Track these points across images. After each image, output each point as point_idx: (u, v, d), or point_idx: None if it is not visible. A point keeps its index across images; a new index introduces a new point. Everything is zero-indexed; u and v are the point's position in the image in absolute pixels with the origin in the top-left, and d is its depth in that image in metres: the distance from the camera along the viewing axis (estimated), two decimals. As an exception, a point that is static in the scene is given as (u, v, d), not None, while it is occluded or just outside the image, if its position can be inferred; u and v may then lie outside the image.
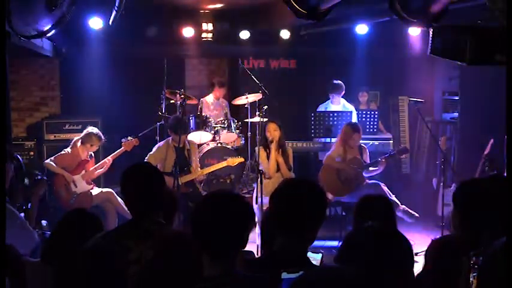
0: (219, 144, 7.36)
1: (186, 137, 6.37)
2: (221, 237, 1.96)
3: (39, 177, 4.48)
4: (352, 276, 1.53)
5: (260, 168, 5.65)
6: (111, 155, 6.31)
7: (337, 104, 7.44)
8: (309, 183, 2.29)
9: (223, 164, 6.41)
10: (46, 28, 4.37)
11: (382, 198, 3.16)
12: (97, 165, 6.27)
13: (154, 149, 6.20)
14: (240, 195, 2.14)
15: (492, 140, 6.10)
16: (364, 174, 6.21)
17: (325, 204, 2.27)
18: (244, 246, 2.05)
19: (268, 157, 5.93)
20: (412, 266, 1.88)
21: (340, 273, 1.55)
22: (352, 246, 1.76)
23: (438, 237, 2.26)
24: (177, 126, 6.02)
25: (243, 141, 7.83)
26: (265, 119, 6.63)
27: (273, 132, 5.89)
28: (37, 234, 3.76)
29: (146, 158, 6.12)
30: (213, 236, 1.96)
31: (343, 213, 6.38)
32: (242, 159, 6.67)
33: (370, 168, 6.26)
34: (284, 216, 2.21)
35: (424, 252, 2.64)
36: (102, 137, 6.23)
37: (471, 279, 2.08)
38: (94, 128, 6.32)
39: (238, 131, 7.65)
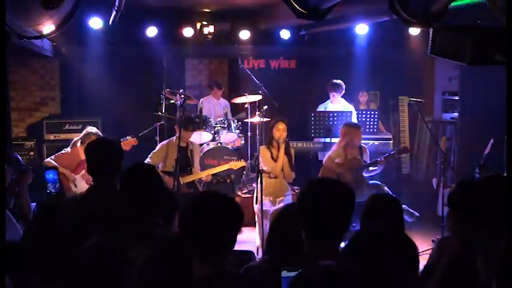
0: (219, 144, 7.36)
1: (190, 136, 6.36)
2: (209, 237, 1.96)
3: (23, 167, 4.44)
4: (351, 275, 1.53)
5: (260, 168, 5.62)
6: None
7: (337, 103, 7.43)
8: (339, 184, 2.23)
9: (226, 166, 6.40)
10: (49, 30, 4.36)
11: (391, 197, 3.17)
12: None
13: (157, 147, 6.22)
14: (228, 195, 2.13)
15: (492, 140, 6.10)
16: (364, 174, 6.20)
17: (353, 205, 2.18)
18: (233, 246, 2.04)
19: (272, 156, 5.90)
20: (417, 268, 1.89)
21: (339, 271, 1.55)
22: (357, 245, 1.76)
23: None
24: (186, 122, 6.06)
25: (243, 141, 7.83)
26: (264, 119, 6.64)
27: (282, 132, 5.86)
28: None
29: (149, 155, 6.13)
30: (201, 235, 1.96)
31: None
32: (244, 164, 6.66)
33: (370, 168, 6.25)
34: (313, 218, 2.15)
35: (423, 252, 2.64)
36: (101, 136, 6.23)
37: None
38: (93, 127, 6.31)
39: (238, 131, 7.65)
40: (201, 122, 7.34)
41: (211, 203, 2.02)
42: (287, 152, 5.90)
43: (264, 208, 5.46)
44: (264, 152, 5.83)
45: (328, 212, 2.12)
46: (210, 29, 8.15)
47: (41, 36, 4.57)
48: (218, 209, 2.00)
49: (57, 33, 4.48)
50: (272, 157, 5.86)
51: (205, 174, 6.30)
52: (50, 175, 4.18)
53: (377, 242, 1.71)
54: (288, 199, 5.83)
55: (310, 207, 2.17)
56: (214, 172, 6.46)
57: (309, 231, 2.17)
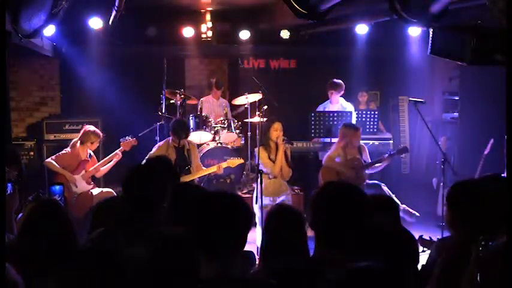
0: (219, 144, 7.36)
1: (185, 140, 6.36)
2: (220, 236, 1.95)
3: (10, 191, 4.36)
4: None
5: (260, 168, 5.62)
6: (110, 155, 6.31)
7: (336, 103, 7.42)
8: (351, 189, 2.20)
9: (224, 165, 6.40)
10: (39, 24, 4.39)
11: (388, 198, 3.18)
12: (101, 162, 6.27)
13: (154, 149, 6.19)
14: (238, 195, 2.12)
15: (492, 140, 6.10)
16: (366, 171, 6.21)
17: (364, 210, 2.15)
18: (243, 247, 2.04)
19: (270, 157, 5.88)
20: (417, 262, 1.91)
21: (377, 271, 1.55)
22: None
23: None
24: (179, 129, 6.03)
25: (243, 141, 7.83)
26: (265, 119, 6.61)
27: (280, 131, 5.84)
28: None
29: (146, 157, 6.11)
30: (211, 235, 1.95)
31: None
32: (242, 161, 6.66)
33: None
34: (325, 224, 2.13)
35: (423, 252, 2.65)
36: (100, 133, 6.24)
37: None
38: (89, 126, 6.31)
39: (238, 131, 7.65)
40: (200, 122, 7.34)
41: (224, 203, 2.01)
42: (284, 151, 5.91)
43: (264, 209, 5.45)
44: (262, 153, 5.80)
45: (343, 216, 2.10)
46: (210, 29, 8.15)
47: (35, 33, 4.59)
48: (232, 208, 1.99)
49: (47, 27, 4.50)
50: (270, 158, 5.85)
51: (202, 174, 6.30)
52: (57, 188, 4.16)
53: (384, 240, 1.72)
54: (288, 199, 5.83)
55: (325, 211, 2.15)
56: (212, 171, 6.44)
57: (321, 236, 2.16)
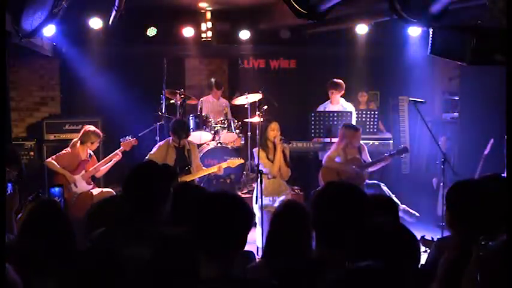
0: (219, 144, 7.36)
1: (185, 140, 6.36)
2: (220, 236, 1.95)
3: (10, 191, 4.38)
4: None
5: (260, 168, 5.62)
6: (110, 155, 6.31)
7: (337, 103, 7.43)
8: (351, 189, 2.22)
9: (224, 165, 6.40)
10: (39, 24, 4.40)
11: (387, 197, 3.18)
12: (101, 162, 6.27)
13: (154, 149, 6.19)
14: (238, 195, 2.13)
15: (492, 140, 6.10)
16: (366, 170, 6.21)
17: (364, 210, 2.18)
18: (243, 247, 2.04)
19: (268, 157, 5.89)
20: (418, 262, 1.92)
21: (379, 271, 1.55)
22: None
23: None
24: (179, 129, 6.03)
25: (243, 141, 7.83)
26: (261, 119, 6.61)
27: (277, 131, 5.85)
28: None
29: (146, 157, 6.12)
30: (212, 235, 1.95)
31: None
32: (242, 161, 6.67)
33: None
34: (326, 224, 2.15)
35: (425, 252, 2.65)
36: (100, 133, 6.24)
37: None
38: (90, 126, 6.32)
39: (238, 131, 7.65)
40: (200, 122, 7.34)
41: (225, 203, 2.01)
42: (282, 151, 5.91)
43: (264, 209, 5.46)
44: (260, 154, 5.81)
45: (344, 216, 2.12)
46: (210, 29, 8.16)
47: (35, 32, 4.60)
48: (232, 208, 1.99)
49: (46, 26, 4.51)
50: (268, 158, 5.85)
51: (202, 174, 6.30)
52: (56, 189, 4.17)
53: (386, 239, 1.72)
54: (288, 198, 5.83)
55: (325, 211, 2.15)
56: (213, 171, 6.45)
57: (321, 236, 2.17)
